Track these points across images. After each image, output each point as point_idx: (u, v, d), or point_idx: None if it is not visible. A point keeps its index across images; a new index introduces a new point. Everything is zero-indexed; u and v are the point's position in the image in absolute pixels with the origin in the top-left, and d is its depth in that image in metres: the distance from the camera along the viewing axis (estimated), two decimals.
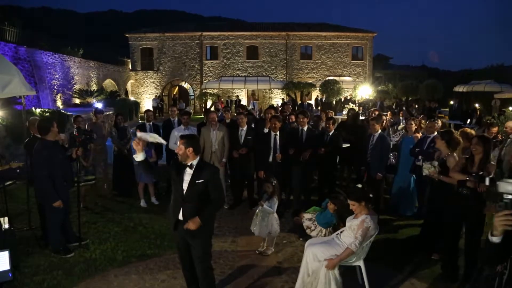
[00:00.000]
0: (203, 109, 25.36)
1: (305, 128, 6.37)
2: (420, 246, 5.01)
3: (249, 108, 19.85)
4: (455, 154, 4.63)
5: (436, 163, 4.54)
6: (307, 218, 4.59)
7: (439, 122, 7.17)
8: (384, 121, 8.50)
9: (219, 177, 3.74)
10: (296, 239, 5.34)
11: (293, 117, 7.31)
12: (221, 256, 4.76)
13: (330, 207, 4.41)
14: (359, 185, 3.89)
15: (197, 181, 3.29)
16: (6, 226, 4.55)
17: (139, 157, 3.34)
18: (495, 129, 7.06)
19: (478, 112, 15.10)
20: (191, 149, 3.31)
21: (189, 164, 3.32)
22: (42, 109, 12.65)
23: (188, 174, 3.32)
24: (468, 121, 14.28)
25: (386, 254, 4.81)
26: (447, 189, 4.44)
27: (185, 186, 3.32)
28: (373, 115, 8.24)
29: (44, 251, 4.82)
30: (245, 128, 6.54)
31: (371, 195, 3.87)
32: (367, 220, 3.65)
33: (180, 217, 3.35)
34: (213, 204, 3.40)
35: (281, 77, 30.77)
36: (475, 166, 4.03)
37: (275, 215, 4.88)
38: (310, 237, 4.46)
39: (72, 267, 4.46)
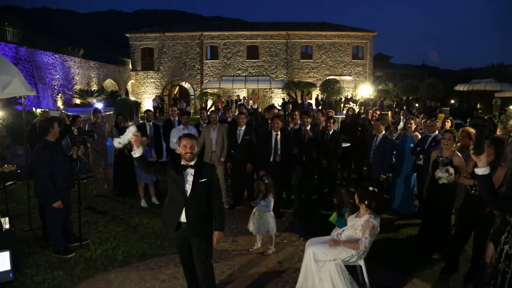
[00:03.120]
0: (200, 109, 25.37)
1: (308, 127, 6.37)
2: (420, 245, 5.00)
3: (249, 107, 19.79)
4: (457, 152, 4.64)
5: (452, 170, 4.34)
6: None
7: (449, 122, 7.10)
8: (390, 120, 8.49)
9: (217, 174, 3.77)
10: (296, 239, 5.34)
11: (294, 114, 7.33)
12: (221, 256, 4.75)
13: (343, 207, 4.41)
14: (371, 188, 3.85)
15: (200, 180, 3.30)
16: (7, 226, 4.56)
17: (136, 153, 3.30)
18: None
19: (479, 111, 15.09)
20: (199, 147, 3.35)
21: (191, 164, 3.32)
22: (43, 109, 12.65)
23: (190, 174, 3.31)
24: (469, 120, 14.28)
25: (386, 253, 4.80)
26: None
27: (188, 187, 3.30)
28: (374, 114, 8.21)
29: (45, 251, 4.82)
30: (243, 128, 6.54)
31: (377, 200, 3.85)
32: (371, 219, 3.68)
33: (183, 218, 3.32)
34: (219, 205, 3.44)
35: (281, 77, 30.76)
36: None
37: (272, 213, 4.88)
38: (310, 236, 4.46)
39: (73, 267, 4.45)
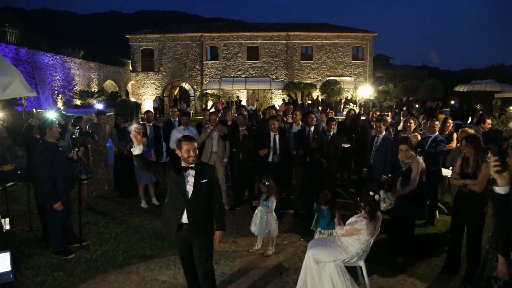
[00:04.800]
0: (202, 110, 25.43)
1: (312, 128, 6.39)
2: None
3: (249, 108, 19.78)
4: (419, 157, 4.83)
5: (389, 201, 4.42)
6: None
7: (450, 122, 7.05)
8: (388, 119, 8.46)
9: (217, 174, 3.79)
10: (296, 240, 5.34)
11: (289, 117, 7.35)
12: (221, 256, 4.76)
13: (324, 208, 4.43)
14: (372, 193, 3.83)
15: (201, 181, 3.29)
16: (7, 227, 4.55)
17: (137, 150, 3.27)
18: (489, 121, 7.06)
19: (479, 112, 15.07)
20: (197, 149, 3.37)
21: (192, 165, 3.32)
22: (36, 110, 12.66)
23: (190, 175, 3.30)
24: (469, 120, 14.27)
25: (386, 254, 4.79)
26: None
27: (189, 188, 3.29)
28: (374, 115, 8.20)
29: (45, 252, 4.83)
30: (244, 128, 6.55)
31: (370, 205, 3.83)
32: (359, 221, 3.71)
33: (184, 219, 3.31)
34: (219, 205, 3.45)
35: (281, 78, 30.79)
36: (470, 167, 4.02)
37: (273, 214, 4.88)
38: (310, 237, 4.47)
39: (73, 268, 4.46)
